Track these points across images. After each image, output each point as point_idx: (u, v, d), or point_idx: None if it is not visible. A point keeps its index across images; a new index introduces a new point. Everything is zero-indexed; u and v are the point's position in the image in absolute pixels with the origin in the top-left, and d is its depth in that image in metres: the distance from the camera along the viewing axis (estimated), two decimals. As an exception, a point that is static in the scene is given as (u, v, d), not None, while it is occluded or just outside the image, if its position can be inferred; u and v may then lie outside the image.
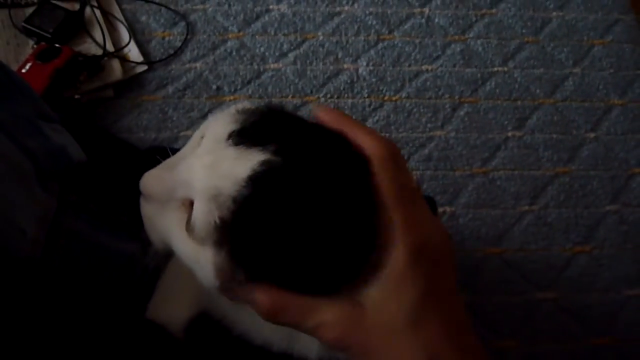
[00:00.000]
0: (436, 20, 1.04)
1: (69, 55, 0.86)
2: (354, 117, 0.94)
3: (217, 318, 0.47)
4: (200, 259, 0.37)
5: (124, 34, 0.95)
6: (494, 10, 1.07)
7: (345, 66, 0.98)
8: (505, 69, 1.01)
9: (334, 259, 0.36)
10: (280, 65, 0.97)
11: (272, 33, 1.00)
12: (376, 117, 0.95)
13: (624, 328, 0.84)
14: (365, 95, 0.96)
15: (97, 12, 0.95)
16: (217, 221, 0.35)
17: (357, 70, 0.98)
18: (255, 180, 0.35)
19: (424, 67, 1.00)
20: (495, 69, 1.01)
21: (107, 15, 0.96)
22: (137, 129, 0.89)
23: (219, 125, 0.39)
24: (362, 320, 0.37)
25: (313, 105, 0.94)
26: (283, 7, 1.02)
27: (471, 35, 1.04)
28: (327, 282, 0.37)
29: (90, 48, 0.92)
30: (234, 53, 0.97)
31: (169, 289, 0.54)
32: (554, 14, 1.08)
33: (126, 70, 0.92)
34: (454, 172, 0.92)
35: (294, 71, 0.96)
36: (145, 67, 0.94)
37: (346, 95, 0.96)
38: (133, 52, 0.94)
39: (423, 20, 1.04)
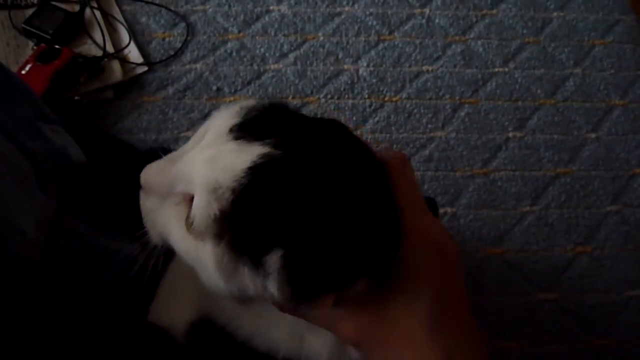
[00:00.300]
0: (437, 20, 1.04)
1: (69, 57, 0.86)
2: (354, 117, 0.94)
3: (221, 324, 0.47)
4: (199, 253, 0.37)
5: (124, 35, 0.95)
6: (494, 11, 1.07)
7: (346, 67, 0.98)
8: (506, 69, 1.01)
9: (338, 248, 0.35)
10: (281, 66, 0.97)
11: (273, 34, 1.00)
12: (376, 118, 0.95)
13: (625, 329, 0.83)
14: (366, 96, 0.96)
15: (97, 13, 0.95)
16: (217, 213, 0.35)
17: (357, 70, 0.98)
18: (254, 170, 0.35)
19: (424, 68, 1.00)
20: (496, 69, 1.01)
21: (107, 17, 0.96)
22: (137, 130, 0.89)
23: (221, 119, 0.39)
24: (379, 316, 0.38)
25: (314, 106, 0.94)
26: (283, 8, 1.02)
27: (472, 35, 1.03)
28: (333, 272, 0.36)
29: (90, 49, 0.92)
30: (234, 54, 0.97)
31: (170, 292, 0.54)
32: (555, 14, 1.08)
33: (126, 71, 0.92)
34: (455, 173, 0.92)
35: (294, 72, 0.96)
36: (145, 68, 0.94)
37: (346, 96, 0.96)
38: (133, 53, 0.94)
39: (423, 21, 1.04)
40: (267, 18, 1.01)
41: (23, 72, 0.83)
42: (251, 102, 0.41)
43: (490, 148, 0.94)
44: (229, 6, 1.01)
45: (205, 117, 0.91)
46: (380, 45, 1.01)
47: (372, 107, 0.95)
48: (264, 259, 0.35)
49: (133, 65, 0.93)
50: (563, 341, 0.82)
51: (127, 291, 0.55)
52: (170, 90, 0.93)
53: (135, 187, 0.41)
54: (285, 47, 0.98)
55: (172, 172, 0.38)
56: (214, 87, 0.94)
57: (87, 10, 0.94)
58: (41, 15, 0.91)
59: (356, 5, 1.04)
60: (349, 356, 0.44)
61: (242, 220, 0.35)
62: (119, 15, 0.97)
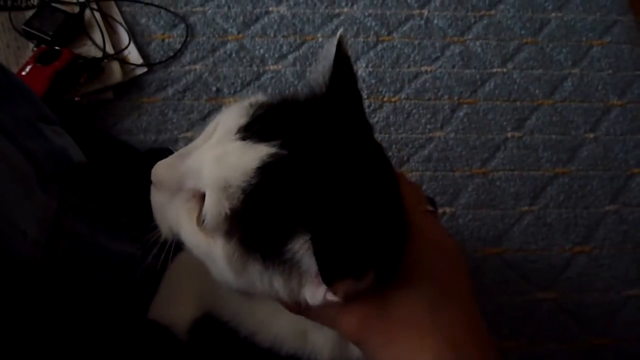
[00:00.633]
0: (435, 21, 1.04)
1: (69, 58, 0.86)
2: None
3: (224, 320, 0.47)
4: (211, 250, 0.38)
5: (124, 37, 0.95)
6: (492, 12, 1.07)
7: (345, 67, 0.98)
8: (504, 69, 1.01)
9: (355, 237, 0.35)
10: (280, 66, 0.97)
11: (272, 35, 1.00)
12: (375, 118, 0.95)
13: (623, 328, 0.84)
14: (365, 97, 0.96)
15: (97, 14, 0.95)
16: (228, 212, 0.36)
17: (356, 71, 0.98)
18: (263, 169, 0.36)
19: (423, 68, 1.00)
20: (494, 69, 1.01)
21: (106, 18, 0.96)
22: (137, 131, 0.89)
23: (230, 117, 0.40)
24: (383, 311, 0.38)
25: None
26: (282, 9, 1.02)
27: (470, 36, 1.04)
28: (351, 258, 0.36)
29: (90, 50, 0.92)
30: (233, 55, 0.97)
31: (172, 290, 0.54)
32: (553, 14, 1.08)
33: (126, 72, 0.92)
34: (454, 173, 0.92)
35: (293, 73, 0.97)
36: (145, 69, 0.94)
37: (345, 96, 0.96)
38: (133, 55, 0.94)
39: (422, 22, 1.04)
40: (266, 19, 1.01)
41: (23, 73, 0.84)
42: (261, 97, 0.42)
43: (489, 148, 0.94)
44: (229, 7, 1.02)
45: (204, 117, 0.91)
46: (379, 46, 1.01)
47: (371, 108, 0.96)
48: (287, 247, 0.36)
49: (133, 67, 0.93)
50: (562, 340, 0.82)
51: (127, 290, 0.56)
52: (170, 91, 0.93)
53: (134, 187, 0.41)
54: (285, 48, 0.99)
55: (182, 168, 0.39)
56: (214, 88, 0.94)
57: (87, 12, 0.95)
58: (41, 17, 0.91)
59: (355, 6, 1.04)
60: (350, 353, 0.44)
61: (254, 218, 0.36)
62: (118, 17, 0.97)
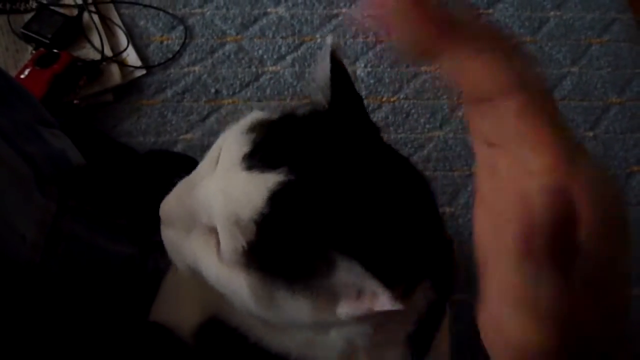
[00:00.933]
0: (434, 21, 1.04)
1: (67, 61, 0.86)
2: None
3: (232, 325, 0.47)
4: (233, 282, 0.38)
5: (122, 39, 0.95)
6: (491, 10, 1.07)
7: (344, 68, 0.98)
8: (503, 69, 1.01)
9: (389, 250, 0.36)
10: (279, 68, 0.97)
11: (270, 36, 1.00)
12: (375, 119, 0.95)
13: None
14: (364, 97, 0.96)
15: (95, 17, 0.95)
16: (245, 245, 0.36)
17: (355, 72, 0.98)
18: (273, 199, 0.36)
19: (422, 69, 1.00)
20: (493, 69, 1.01)
21: (105, 20, 0.96)
22: (136, 133, 0.89)
23: (233, 145, 0.39)
24: None
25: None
26: (281, 10, 1.02)
27: (469, 35, 1.04)
28: (394, 276, 0.36)
29: (88, 53, 0.92)
30: (232, 56, 0.97)
31: (174, 293, 0.54)
32: (552, 13, 1.08)
33: (125, 74, 0.92)
34: (453, 173, 0.92)
35: (292, 74, 0.97)
36: (143, 72, 0.94)
37: (344, 97, 0.96)
38: (131, 57, 0.94)
39: (420, 22, 1.04)
40: (264, 20, 1.01)
41: (22, 76, 0.84)
42: (260, 114, 0.41)
43: (489, 147, 0.94)
44: (227, 9, 1.02)
45: (203, 119, 0.91)
46: (378, 47, 1.01)
47: (370, 108, 0.96)
48: (316, 270, 0.36)
49: (131, 69, 0.93)
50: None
51: (127, 292, 0.55)
52: (169, 93, 0.93)
53: (134, 189, 0.41)
54: (283, 49, 0.99)
55: (192, 203, 0.39)
56: (213, 90, 0.94)
57: (86, 15, 0.95)
58: (40, 20, 0.91)
59: (353, 7, 1.04)
60: None
61: (272, 248, 0.36)
62: (117, 19, 0.97)
